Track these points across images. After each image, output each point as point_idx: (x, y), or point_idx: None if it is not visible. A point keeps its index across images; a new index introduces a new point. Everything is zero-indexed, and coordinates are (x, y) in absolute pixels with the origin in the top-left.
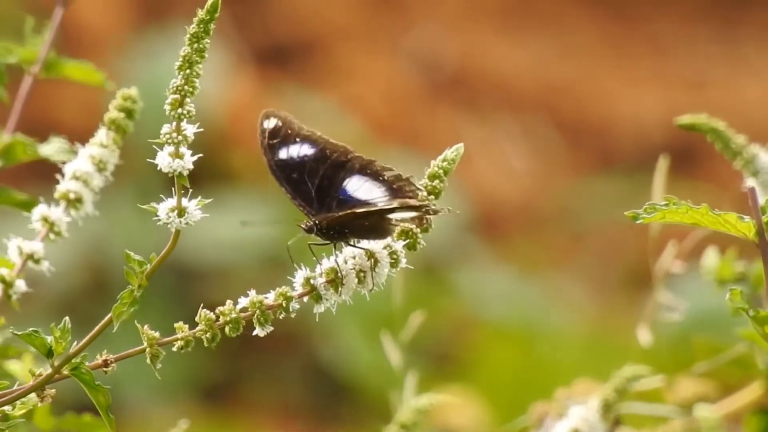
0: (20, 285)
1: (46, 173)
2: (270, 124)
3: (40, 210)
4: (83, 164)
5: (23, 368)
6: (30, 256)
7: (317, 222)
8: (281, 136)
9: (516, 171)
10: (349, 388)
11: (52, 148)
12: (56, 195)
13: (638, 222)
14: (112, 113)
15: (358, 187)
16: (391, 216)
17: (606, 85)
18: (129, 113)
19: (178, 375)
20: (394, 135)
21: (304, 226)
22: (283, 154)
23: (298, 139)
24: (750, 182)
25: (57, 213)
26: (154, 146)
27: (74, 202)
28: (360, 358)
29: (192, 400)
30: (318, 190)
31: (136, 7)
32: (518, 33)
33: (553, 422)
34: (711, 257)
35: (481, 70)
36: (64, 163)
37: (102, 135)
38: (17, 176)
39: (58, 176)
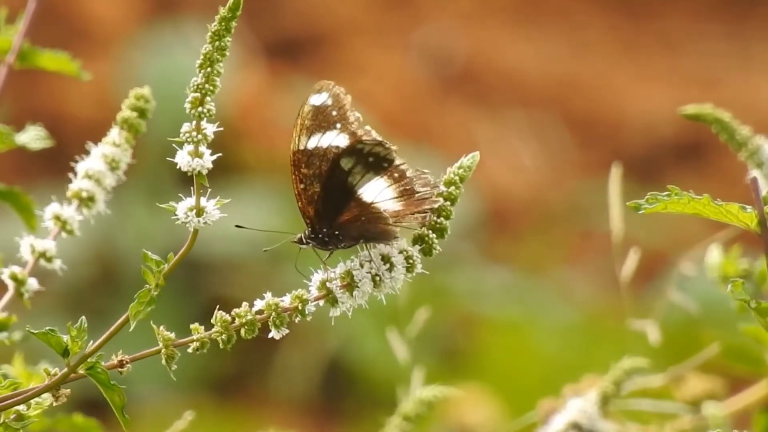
0: (32, 283)
1: (59, 170)
2: (319, 100)
3: (53, 208)
4: (96, 163)
5: (17, 371)
6: (42, 254)
7: (318, 230)
8: (323, 117)
9: (526, 167)
10: (359, 383)
11: (28, 137)
12: (68, 194)
13: (640, 212)
14: (125, 112)
15: (368, 187)
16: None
17: (616, 82)
18: (142, 112)
19: (189, 370)
20: (404, 130)
21: (295, 240)
22: (313, 142)
23: (338, 126)
24: (754, 174)
25: (69, 211)
26: (167, 140)
27: (86, 201)
28: (369, 353)
29: (203, 394)
30: (327, 192)
31: (146, 0)
32: (529, 29)
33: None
34: (714, 254)
35: (491, 67)
36: (76, 161)
37: (114, 134)
38: (27, 172)
39: (70, 175)
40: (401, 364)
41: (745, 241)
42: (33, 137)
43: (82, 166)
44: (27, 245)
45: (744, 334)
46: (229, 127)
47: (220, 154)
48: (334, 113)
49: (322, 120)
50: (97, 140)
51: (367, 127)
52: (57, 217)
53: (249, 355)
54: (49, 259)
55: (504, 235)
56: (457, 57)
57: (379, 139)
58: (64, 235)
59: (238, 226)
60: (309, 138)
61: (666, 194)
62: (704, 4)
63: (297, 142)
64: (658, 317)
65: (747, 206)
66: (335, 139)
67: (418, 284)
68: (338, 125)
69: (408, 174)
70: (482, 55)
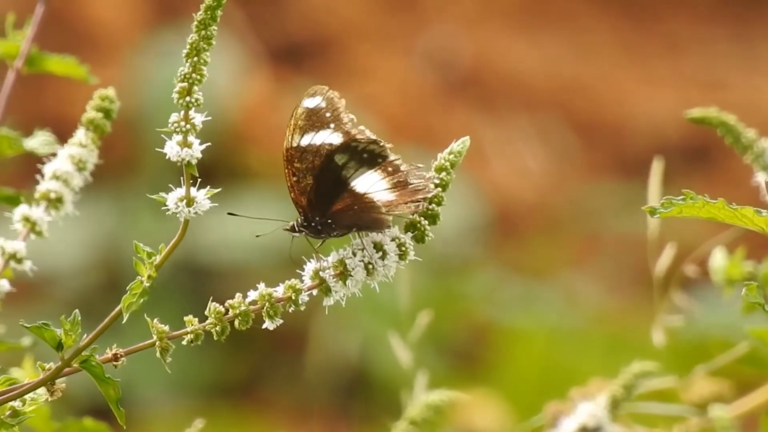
0: (3, 284)
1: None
2: (312, 102)
3: (22, 210)
4: (63, 164)
5: (26, 373)
6: (12, 256)
7: (311, 219)
8: (317, 118)
9: (531, 170)
10: (370, 387)
11: (36, 142)
12: (37, 195)
13: (655, 216)
14: (90, 113)
15: (361, 179)
16: (386, 210)
17: (621, 84)
18: (107, 113)
19: (198, 374)
20: (409, 134)
21: (287, 228)
22: (306, 140)
23: (332, 125)
24: (760, 176)
25: (38, 213)
26: (157, 130)
27: (55, 202)
28: (380, 357)
29: (212, 398)
30: (320, 184)
31: (151, 5)
32: (533, 32)
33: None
34: (719, 257)
35: (495, 70)
36: (43, 163)
37: (81, 135)
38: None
39: (38, 177)
40: (410, 368)
41: (744, 242)
42: (41, 142)
43: (50, 167)
44: None
45: (750, 336)
46: (234, 132)
47: (209, 144)
48: (328, 115)
49: (315, 121)
50: (103, 145)
51: (361, 127)
52: (26, 219)
53: (259, 360)
54: (19, 261)
55: (510, 239)
56: (461, 61)
57: (374, 137)
58: (33, 236)
59: (230, 214)
60: (302, 136)
61: (681, 198)
62: (708, 7)
63: (290, 139)
64: (664, 321)
65: (762, 210)
66: (329, 137)
67: (428, 288)
68: (332, 125)
69: (402, 168)
70: (486, 59)
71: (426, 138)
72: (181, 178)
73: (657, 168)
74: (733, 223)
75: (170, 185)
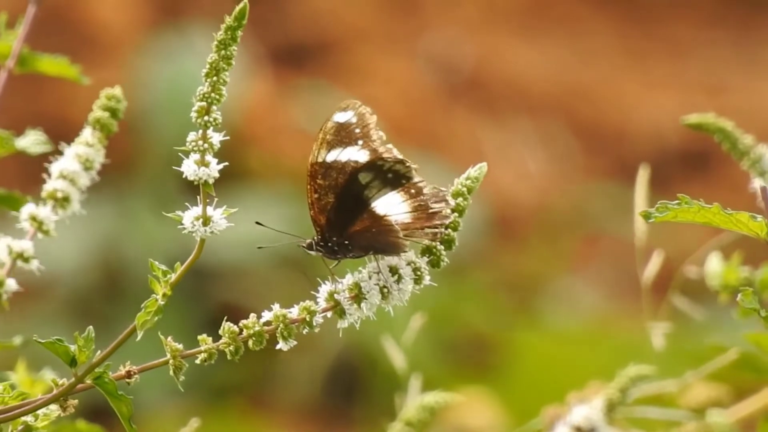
0: (11, 284)
1: (33, 173)
2: (343, 117)
3: (29, 209)
4: (70, 163)
5: (20, 377)
6: (20, 255)
7: (328, 239)
8: (346, 134)
9: (532, 174)
10: (368, 388)
11: (28, 141)
12: (43, 194)
13: (650, 221)
14: (97, 112)
15: (382, 200)
16: (403, 234)
17: (623, 88)
18: (113, 112)
19: (194, 375)
20: (411, 137)
21: (304, 245)
22: (332, 156)
23: (360, 142)
24: (757, 183)
25: (45, 212)
26: (174, 148)
27: (62, 201)
28: (377, 357)
29: (207, 399)
30: (341, 202)
31: (152, 6)
32: (535, 36)
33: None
34: (714, 262)
35: (498, 73)
36: (49, 162)
37: (87, 134)
38: (36, 178)
39: (44, 176)
40: (410, 370)
41: (741, 247)
42: (32, 142)
43: (57, 166)
44: (4, 246)
45: (746, 341)
46: (235, 134)
47: (226, 163)
48: (357, 131)
49: (344, 136)
50: (105, 145)
51: (389, 146)
52: (33, 218)
53: (255, 360)
54: (26, 260)
55: (510, 242)
56: (463, 64)
57: (401, 157)
58: (40, 235)
59: (258, 223)
60: (329, 152)
61: (676, 203)
62: (710, 11)
63: (316, 154)
64: (666, 324)
65: (757, 215)
66: (355, 155)
67: (427, 291)
68: (360, 142)
69: (425, 191)
70: (489, 62)
71: (428, 141)
72: (197, 196)
73: (643, 174)
74: (728, 228)
75: (186, 204)
